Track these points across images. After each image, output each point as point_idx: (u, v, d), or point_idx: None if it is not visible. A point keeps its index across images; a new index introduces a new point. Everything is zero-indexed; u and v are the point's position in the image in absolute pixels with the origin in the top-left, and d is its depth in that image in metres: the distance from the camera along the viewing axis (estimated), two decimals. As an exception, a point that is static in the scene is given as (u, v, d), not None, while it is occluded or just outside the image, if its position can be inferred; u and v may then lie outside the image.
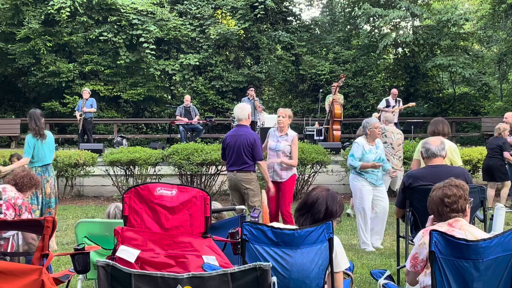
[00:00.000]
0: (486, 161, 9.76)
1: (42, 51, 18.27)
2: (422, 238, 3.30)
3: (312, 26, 23.81)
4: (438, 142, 4.94)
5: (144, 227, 3.33)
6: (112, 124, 19.22)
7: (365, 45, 21.75)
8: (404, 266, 3.51)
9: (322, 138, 14.17)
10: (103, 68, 19.37)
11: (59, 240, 7.56)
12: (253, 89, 14.77)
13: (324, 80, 20.49)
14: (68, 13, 18.02)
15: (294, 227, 3.35)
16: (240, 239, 3.27)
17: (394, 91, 14.87)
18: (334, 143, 13.68)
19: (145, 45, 18.87)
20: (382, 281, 3.64)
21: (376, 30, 21.58)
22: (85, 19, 18.81)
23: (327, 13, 25.39)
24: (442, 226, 3.31)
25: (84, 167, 11.22)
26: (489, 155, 9.65)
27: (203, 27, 20.32)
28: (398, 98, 14.76)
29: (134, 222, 3.35)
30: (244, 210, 4.74)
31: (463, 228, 3.30)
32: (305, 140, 13.08)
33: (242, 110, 6.94)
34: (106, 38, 18.94)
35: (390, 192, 9.02)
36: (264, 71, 20.70)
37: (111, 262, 2.66)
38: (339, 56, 22.13)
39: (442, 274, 3.08)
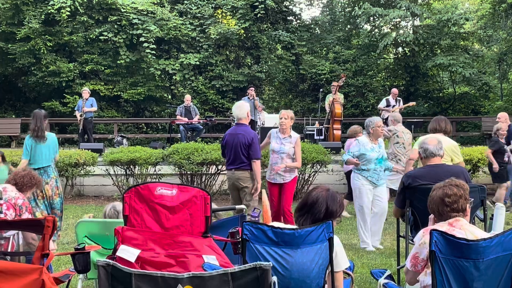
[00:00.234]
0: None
1: (42, 51, 18.27)
2: (423, 237, 3.31)
3: (312, 25, 23.81)
4: (435, 142, 4.95)
5: (145, 227, 3.33)
6: (113, 123, 19.22)
7: (365, 44, 21.74)
8: (405, 265, 3.51)
9: (322, 137, 14.17)
10: (103, 68, 19.37)
11: (60, 239, 7.55)
12: (253, 88, 14.77)
13: (324, 79, 20.49)
14: (68, 13, 18.02)
15: (294, 226, 3.35)
16: (240, 239, 3.27)
17: (394, 90, 14.87)
18: (335, 142, 13.69)
19: (146, 44, 18.87)
20: (382, 280, 3.64)
21: (376, 30, 21.58)
22: (85, 19, 18.81)
23: (327, 12, 25.40)
24: (442, 226, 3.31)
25: (85, 166, 11.22)
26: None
27: (203, 26, 20.32)
28: (398, 98, 14.76)
29: (135, 222, 3.35)
30: (244, 210, 4.73)
31: (463, 228, 3.30)
32: (305, 140, 13.08)
33: (240, 109, 6.93)
34: (107, 37, 18.94)
35: (392, 192, 9.02)
36: (264, 70, 20.69)
37: (112, 261, 2.66)
38: (339, 56, 22.13)
39: (442, 273, 3.08)
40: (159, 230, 3.33)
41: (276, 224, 3.36)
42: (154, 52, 19.05)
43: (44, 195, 7.27)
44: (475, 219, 5.17)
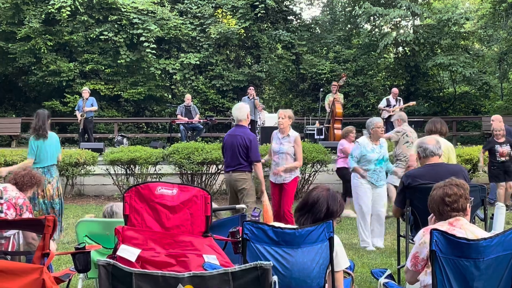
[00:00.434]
0: None
1: (42, 50, 18.27)
2: (423, 237, 3.31)
3: (312, 25, 23.80)
4: (434, 142, 4.95)
5: (145, 226, 3.34)
6: (113, 123, 19.22)
7: (365, 44, 21.74)
8: (405, 265, 3.51)
9: (322, 137, 14.17)
10: (103, 67, 19.37)
11: (60, 239, 7.55)
12: (253, 88, 14.76)
13: (324, 79, 20.49)
14: (68, 12, 18.01)
15: (295, 226, 3.35)
16: (241, 238, 3.27)
17: (395, 90, 14.86)
18: (335, 142, 13.65)
19: (146, 44, 18.87)
20: (382, 280, 3.64)
21: (376, 29, 21.59)
22: (85, 18, 18.81)
23: (328, 12, 25.39)
24: (442, 225, 3.31)
25: (85, 166, 11.21)
26: None
27: (204, 26, 20.32)
28: (398, 97, 14.76)
29: (135, 221, 3.35)
30: (244, 209, 4.73)
31: (463, 227, 3.30)
32: (306, 139, 13.08)
33: (240, 111, 6.91)
34: (107, 37, 18.94)
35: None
36: (264, 70, 20.69)
37: (112, 261, 2.66)
38: (340, 55, 22.12)
39: (442, 273, 3.08)
40: (160, 229, 3.33)
41: (276, 224, 3.36)
42: (155, 52, 19.05)
43: (45, 195, 7.26)
44: (476, 219, 5.17)
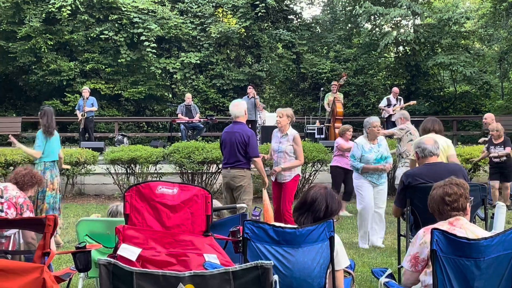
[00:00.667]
0: None
1: (43, 50, 18.27)
2: (423, 237, 3.30)
3: (313, 24, 23.80)
4: (432, 142, 4.95)
5: (146, 226, 3.33)
6: (113, 122, 19.21)
7: (366, 43, 21.74)
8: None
9: (323, 136, 14.17)
10: (104, 67, 19.38)
11: (60, 238, 7.55)
12: (252, 87, 14.74)
13: (325, 78, 20.49)
14: (69, 12, 18.03)
15: (296, 226, 3.35)
16: (241, 238, 3.27)
17: (395, 89, 14.86)
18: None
19: (146, 43, 18.88)
20: (383, 279, 3.64)
21: (377, 29, 21.58)
22: (86, 18, 18.81)
23: (328, 11, 25.38)
24: (443, 225, 3.31)
25: (85, 165, 11.21)
26: None
27: (204, 25, 20.32)
28: (399, 97, 14.76)
29: (136, 221, 3.35)
30: (245, 209, 4.73)
31: (464, 227, 3.30)
32: (306, 139, 13.07)
33: (237, 107, 6.90)
34: (107, 36, 18.95)
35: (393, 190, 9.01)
36: (265, 69, 20.69)
37: (113, 260, 2.66)
38: (340, 55, 22.12)
39: (443, 272, 3.08)
40: (160, 229, 3.33)
41: (277, 223, 3.36)
42: (155, 51, 19.05)
43: (53, 188, 7.40)
44: (476, 218, 5.17)
